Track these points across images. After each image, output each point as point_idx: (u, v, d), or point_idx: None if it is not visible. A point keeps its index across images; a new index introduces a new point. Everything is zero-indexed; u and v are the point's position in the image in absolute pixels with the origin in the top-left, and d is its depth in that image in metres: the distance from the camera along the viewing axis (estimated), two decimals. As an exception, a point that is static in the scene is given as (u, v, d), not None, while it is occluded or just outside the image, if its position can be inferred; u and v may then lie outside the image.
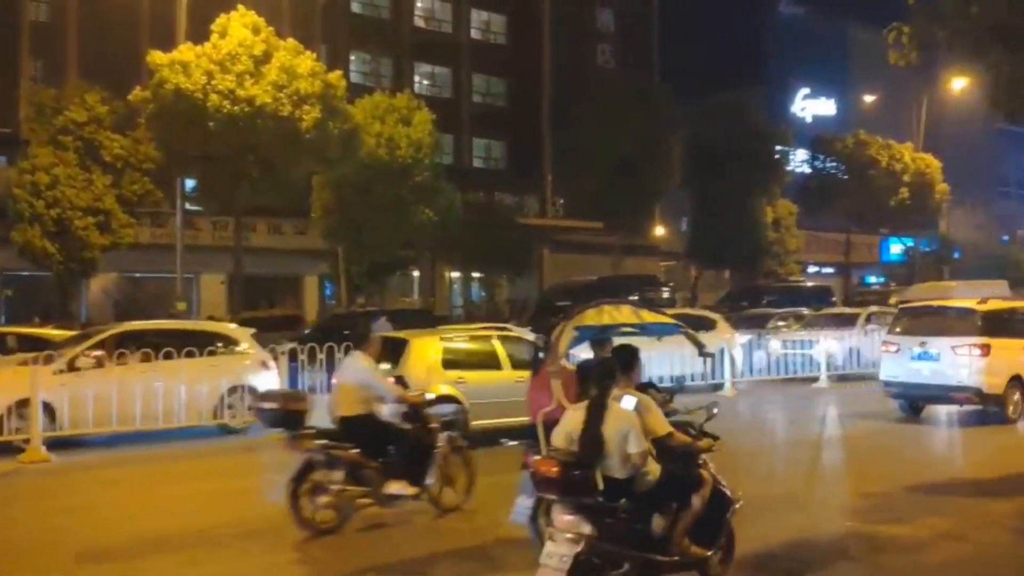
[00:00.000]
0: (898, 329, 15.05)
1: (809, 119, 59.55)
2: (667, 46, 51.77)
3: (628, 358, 6.27)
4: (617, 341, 6.90)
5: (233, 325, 16.08)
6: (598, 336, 7.05)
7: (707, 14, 56.00)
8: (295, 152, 23.84)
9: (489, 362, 12.53)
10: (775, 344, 21.74)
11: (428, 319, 24.13)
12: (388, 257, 31.53)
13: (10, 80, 31.49)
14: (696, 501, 5.85)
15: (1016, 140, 67.30)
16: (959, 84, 38.15)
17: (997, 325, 14.12)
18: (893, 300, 38.02)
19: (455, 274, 42.93)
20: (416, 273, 39.61)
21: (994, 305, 14.67)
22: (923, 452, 12.56)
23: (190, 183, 27.47)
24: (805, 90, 61.13)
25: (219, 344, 14.36)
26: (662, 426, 5.94)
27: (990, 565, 7.05)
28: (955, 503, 8.84)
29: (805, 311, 26.14)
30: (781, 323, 25.08)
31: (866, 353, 20.90)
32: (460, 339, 13.32)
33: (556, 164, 43.34)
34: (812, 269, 50.30)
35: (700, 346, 6.89)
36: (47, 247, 25.41)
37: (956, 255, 55.27)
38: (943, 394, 14.00)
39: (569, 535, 5.34)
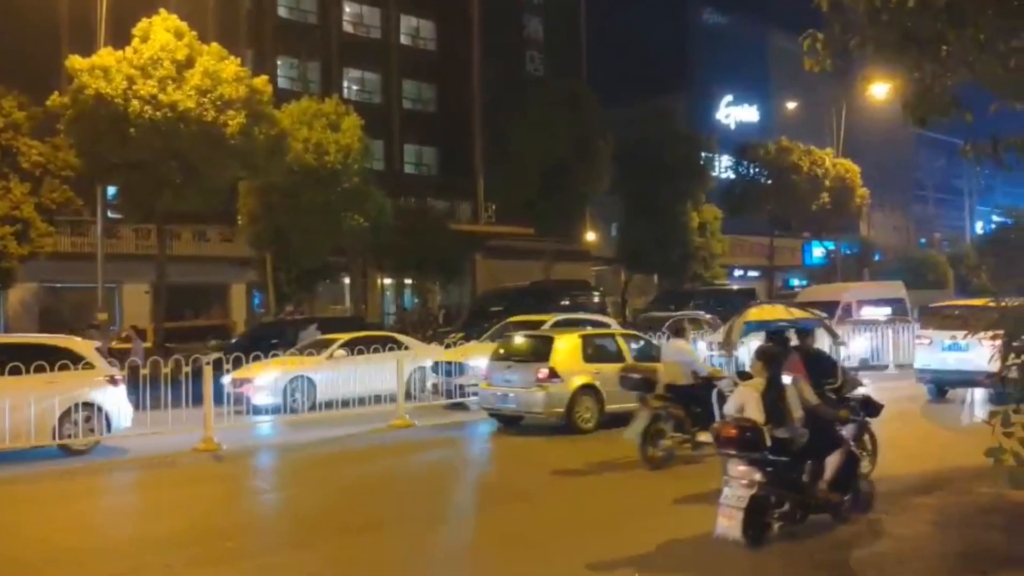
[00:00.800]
0: (930, 327, 17.94)
1: (733, 126, 60.75)
2: (594, 53, 52.36)
3: (784, 347, 8.54)
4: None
5: (79, 339, 15.00)
6: (774, 328, 9.42)
7: (633, 22, 56.75)
8: (220, 158, 23.44)
9: (616, 356, 14.84)
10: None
11: (359, 327, 23.92)
12: (317, 264, 31.19)
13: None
14: (834, 458, 7.73)
15: (932, 145, 69.70)
16: (876, 91, 39.22)
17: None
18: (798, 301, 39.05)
19: (387, 281, 42.70)
20: (347, 280, 39.26)
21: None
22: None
23: (111, 190, 26.84)
24: (728, 97, 62.36)
25: (63, 360, 13.37)
26: (812, 397, 7.81)
27: (905, 560, 7.30)
28: (882, 497, 9.10)
29: (703, 315, 25.94)
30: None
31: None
32: (593, 336, 15.98)
33: (488, 170, 43.46)
34: (738, 273, 51.26)
35: (835, 336, 10.15)
36: (-39, 257, 24.52)
37: (876, 257, 57.01)
38: (970, 379, 15.88)
39: (744, 481, 7.20)
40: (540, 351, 14.78)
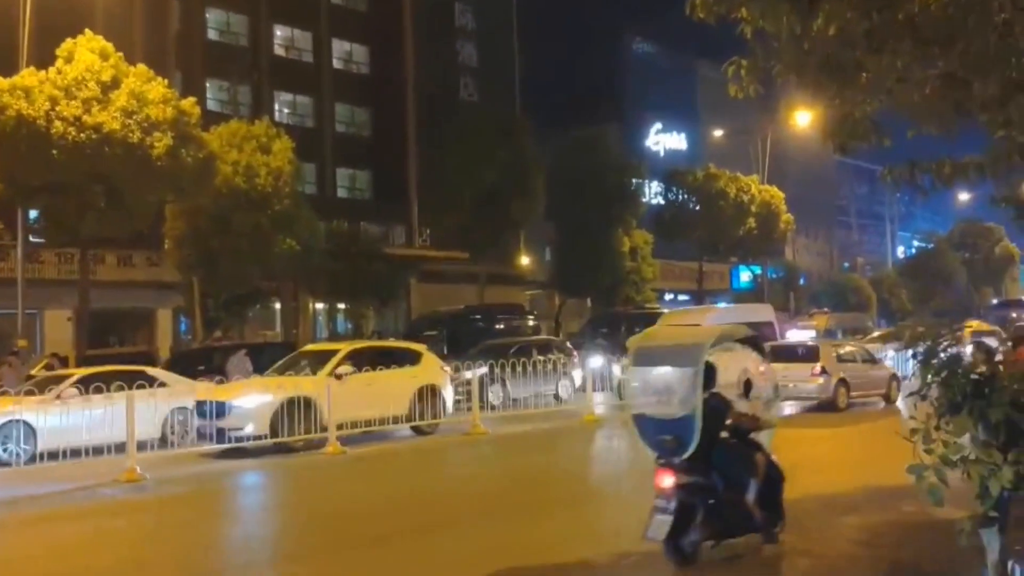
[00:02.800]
0: None
1: (662, 153, 61.79)
2: (529, 80, 52.89)
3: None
4: None
5: None
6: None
7: (566, 50, 57.51)
8: (146, 180, 23.00)
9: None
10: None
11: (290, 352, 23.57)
12: (246, 289, 30.70)
13: None
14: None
15: (854, 172, 71.92)
16: (799, 118, 40.39)
17: None
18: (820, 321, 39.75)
19: (319, 305, 42.21)
20: (278, 305, 38.70)
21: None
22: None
23: (33, 213, 26.09)
24: (658, 125, 63.45)
25: None
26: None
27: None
28: (807, 517, 9.25)
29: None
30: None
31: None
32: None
33: (422, 194, 43.42)
34: (668, 296, 51.98)
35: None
36: None
37: (801, 281, 58.40)
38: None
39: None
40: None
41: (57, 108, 21.83)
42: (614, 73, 60.38)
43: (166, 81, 24.44)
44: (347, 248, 34.62)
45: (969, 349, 5.67)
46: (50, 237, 27.27)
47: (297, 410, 15.54)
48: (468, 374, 19.63)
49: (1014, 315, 48.53)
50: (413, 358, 18.56)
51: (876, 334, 36.20)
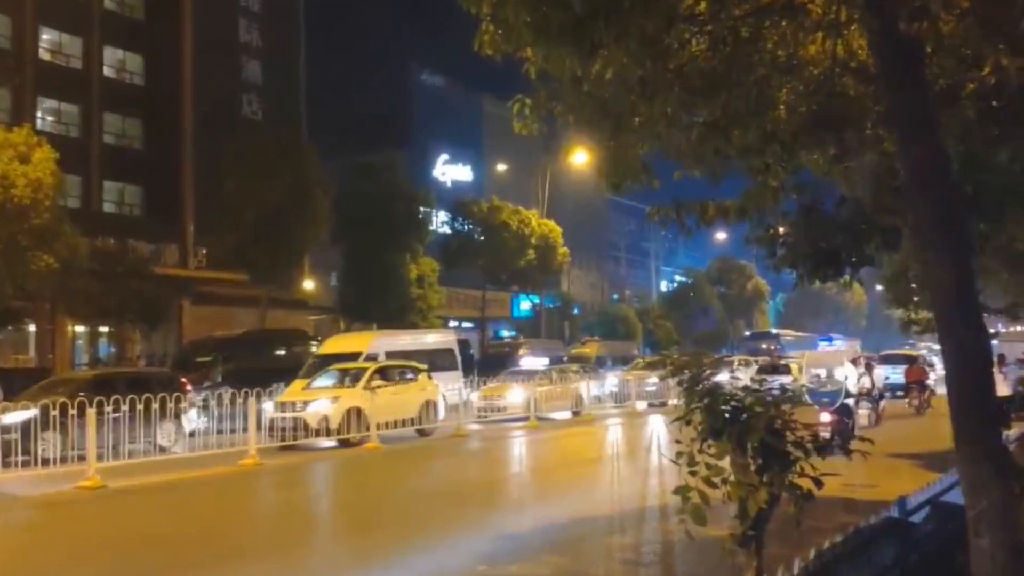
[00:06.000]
0: None
1: (449, 183, 62.71)
2: (316, 102, 52.09)
3: None
4: None
5: None
6: None
7: (353, 75, 57.20)
8: None
9: None
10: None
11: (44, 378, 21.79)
12: (-3, 308, 28.11)
13: None
14: None
15: (625, 211, 75.85)
16: (576, 158, 42.29)
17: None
18: (523, 351, 40.88)
19: (79, 328, 39.29)
20: (32, 327, 35.65)
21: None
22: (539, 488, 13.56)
23: None
24: (445, 156, 64.38)
25: None
26: None
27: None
28: (579, 540, 9.61)
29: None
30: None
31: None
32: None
33: (199, 213, 41.57)
34: (453, 323, 52.62)
35: None
36: None
37: (576, 311, 60.89)
38: None
39: None
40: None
41: None
42: (402, 101, 60.66)
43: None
44: (113, 267, 32.51)
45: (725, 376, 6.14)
46: None
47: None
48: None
49: (764, 345, 52.91)
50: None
51: (641, 361, 38.44)
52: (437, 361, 27.10)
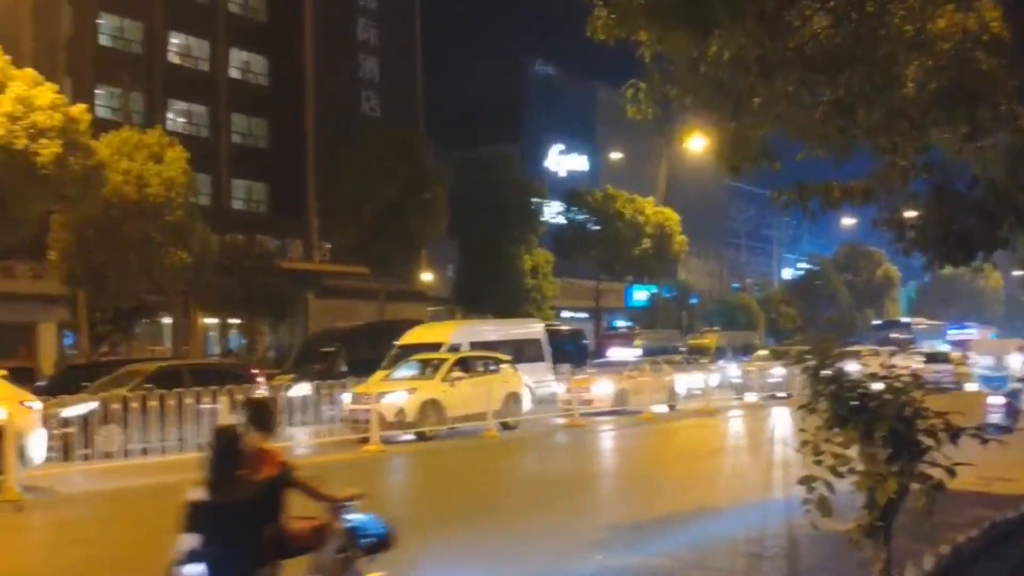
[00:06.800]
0: None
1: (562, 174, 62.66)
2: (432, 96, 52.96)
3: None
4: None
5: None
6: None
7: (469, 69, 57.79)
8: (30, 189, 21.98)
9: None
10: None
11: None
12: (134, 302, 29.64)
13: None
14: None
15: (744, 196, 74.21)
16: (694, 143, 41.54)
17: None
18: (638, 342, 40.65)
19: (211, 320, 41.08)
20: (167, 320, 37.49)
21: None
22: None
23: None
24: (559, 146, 64.33)
25: None
26: None
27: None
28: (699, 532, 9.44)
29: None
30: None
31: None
32: None
33: (322, 208, 42.87)
34: (567, 314, 52.66)
35: None
36: None
37: (693, 300, 59.94)
38: None
39: None
40: None
41: (-66, 110, 20.78)
42: (516, 94, 60.95)
43: (55, 87, 23.51)
44: (241, 262, 33.84)
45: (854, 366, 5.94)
46: (-78, 246, 25.82)
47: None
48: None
49: (894, 335, 50.93)
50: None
51: (764, 352, 37.48)
52: (524, 352, 26.36)
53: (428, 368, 20.85)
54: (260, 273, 34.18)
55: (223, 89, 43.55)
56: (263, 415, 5.38)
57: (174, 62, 42.29)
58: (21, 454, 12.72)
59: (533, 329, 29.07)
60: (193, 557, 4.85)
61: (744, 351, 40.36)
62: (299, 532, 5.26)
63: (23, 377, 27.09)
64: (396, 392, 19.22)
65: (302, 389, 20.93)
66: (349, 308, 38.13)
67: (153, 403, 16.04)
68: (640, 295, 59.06)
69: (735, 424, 23.34)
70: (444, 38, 54.43)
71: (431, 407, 19.21)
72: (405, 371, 21.20)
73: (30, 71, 22.89)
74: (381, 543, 5.46)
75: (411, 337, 25.84)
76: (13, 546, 10.48)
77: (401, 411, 18.80)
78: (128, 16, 40.15)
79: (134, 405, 15.89)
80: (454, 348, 24.11)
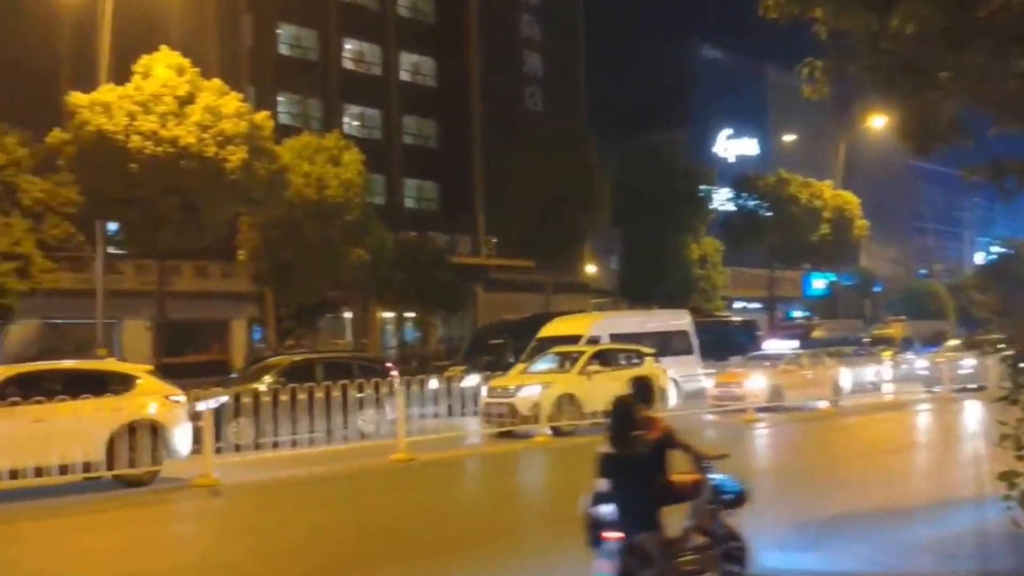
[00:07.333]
0: None
1: (731, 159, 61.05)
2: (594, 86, 52.82)
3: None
4: None
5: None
6: None
7: (632, 57, 57.29)
8: (220, 193, 23.49)
9: None
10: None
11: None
12: (317, 298, 31.16)
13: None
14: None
15: (932, 177, 70.07)
16: (876, 122, 39.45)
17: None
18: (817, 333, 39.02)
19: (388, 314, 42.66)
20: (348, 314, 39.20)
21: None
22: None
23: (112, 226, 26.84)
24: (728, 131, 62.72)
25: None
26: None
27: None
28: (884, 530, 8.94)
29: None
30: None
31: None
32: None
33: (488, 203, 43.66)
34: (739, 305, 51.27)
35: None
36: (-39, 293, 24.41)
37: (877, 288, 56.98)
38: None
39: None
40: None
41: (135, 123, 22.44)
42: (683, 79, 59.94)
43: (240, 95, 24.94)
44: (414, 258, 34.94)
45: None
46: (129, 249, 28.03)
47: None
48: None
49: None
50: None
51: (955, 342, 35.09)
52: (670, 344, 25.43)
53: (567, 361, 20.39)
54: (432, 268, 35.18)
55: (394, 92, 45.05)
56: (646, 390, 6.55)
57: (348, 68, 44.09)
58: (167, 446, 13.44)
59: (680, 320, 27.83)
60: (603, 499, 6.00)
61: (933, 341, 37.97)
62: (681, 484, 6.28)
63: (217, 370, 29.11)
64: (531, 386, 18.95)
65: (472, 380, 21.40)
66: (516, 301, 38.62)
67: (284, 397, 16.56)
68: (818, 283, 56.72)
69: (922, 418, 22.02)
70: (608, 27, 54.18)
71: (567, 401, 18.68)
72: (543, 364, 20.90)
73: (217, 82, 24.38)
74: (737, 499, 6.41)
75: (550, 330, 25.48)
76: (229, 528, 11.17)
77: (536, 405, 18.35)
78: (304, 25, 42.19)
79: (266, 399, 16.38)
80: (594, 341, 23.58)
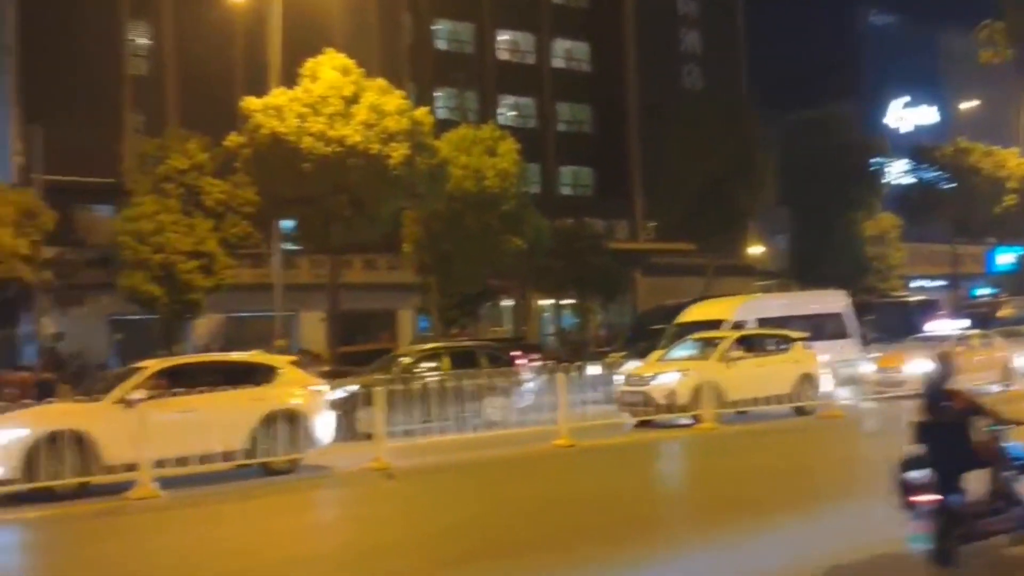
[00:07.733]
0: None
1: (905, 129, 57.78)
2: (755, 62, 51.15)
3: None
4: None
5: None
6: None
7: (795, 27, 55.13)
8: (385, 189, 24.25)
9: None
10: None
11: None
12: (478, 287, 31.70)
13: (114, 133, 32.95)
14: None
15: None
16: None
17: None
18: (1004, 312, 36.30)
19: (546, 301, 42.94)
20: (506, 302, 39.69)
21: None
22: None
23: (287, 223, 28.19)
24: (904, 99, 59.40)
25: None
26: None
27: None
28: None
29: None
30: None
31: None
32: None
33: (645, 187, 43.14)
34: (917, 283, 48.53)
35: None
36: (153, 291, 26.25)
37: (1073, 262, 52.52)
38: None
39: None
40: None
41: (305, 124, 23.47)
42: (847, 48, 57.21)
43: (401, 93, 25.65)
44: (572, 245, 34.94)
45: None
46: (303, 245, 29.44)
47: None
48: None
49: None
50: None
51: None
52: (824, 328, 23.46)
53: (708, 347, 19.42)
54: (589, 255, 35.07)
55: (548, 79, 45.18)
56: (949, 364, 7.24)
57: (502, 58, 44.52)
58: (309, 435, 13.73)
59: (834, 302, 25.65)
60: (916, 464, 6.60)
61: None
62: (985, 450, 6.72)
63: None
64: (668, 373, 18.25)
65: (633, 366, 21.24)
66: (676, 285, 37.96)
67: (415, 386, 16.89)
68: (1004, 258, 52.89)
69: None
70: None
71: (706, 389, 17.65)
72: (682, 351, 19.99)
73: (380, 81, 25.17)
74: None
75: (691, 314, 24.38)
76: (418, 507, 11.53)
77: (672, 393, 17.70)
78: (460, 19, 42.93)
79: (394, 388, 16.48)
80: (738, 325, 22.23)
